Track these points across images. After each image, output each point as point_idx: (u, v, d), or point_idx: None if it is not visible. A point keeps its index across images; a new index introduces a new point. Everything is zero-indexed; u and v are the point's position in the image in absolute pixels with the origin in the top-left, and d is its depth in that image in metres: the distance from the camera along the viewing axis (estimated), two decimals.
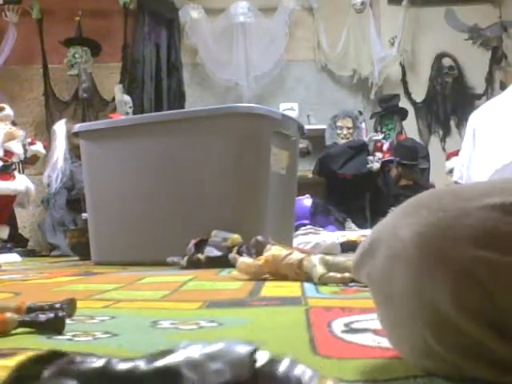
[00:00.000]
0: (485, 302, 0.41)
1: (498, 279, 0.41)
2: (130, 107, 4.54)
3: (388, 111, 4.63)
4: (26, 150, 3.91)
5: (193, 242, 2.23)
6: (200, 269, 2.06)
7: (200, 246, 2.22)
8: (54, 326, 0.76)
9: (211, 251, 2.17)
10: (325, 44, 5.08)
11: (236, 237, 2.20)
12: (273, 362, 0.30)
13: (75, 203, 3.98)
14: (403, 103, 4.86)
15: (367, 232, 2.80)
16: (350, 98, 5.12)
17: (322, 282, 1.34)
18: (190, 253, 2.19)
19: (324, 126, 4.68)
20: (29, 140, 4.00)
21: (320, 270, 1.36)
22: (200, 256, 2.17)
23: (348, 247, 2.99)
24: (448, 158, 4.32)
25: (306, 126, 3.12)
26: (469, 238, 0.41)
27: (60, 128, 4.24)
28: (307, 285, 1.37)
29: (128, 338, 0.74)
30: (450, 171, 3.85)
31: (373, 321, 0.74)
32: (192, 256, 2.17)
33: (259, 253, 1.79)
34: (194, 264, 2.14)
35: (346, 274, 1.31)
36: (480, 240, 0.41)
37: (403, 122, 4.74)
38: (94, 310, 1.03)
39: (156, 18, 4.96)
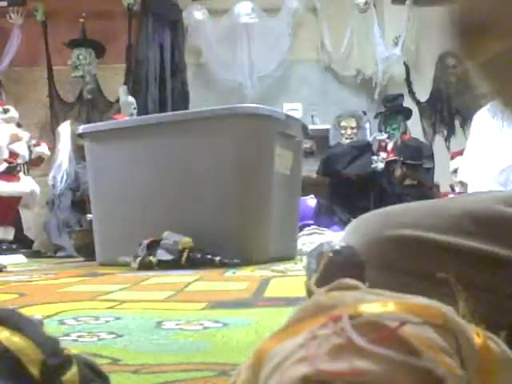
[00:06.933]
0: None
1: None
2: (135, 108, 4.55)
3: (392, 111, 4.62)
4: (30, 152, 3.92)
5: (145, 242, 2.27)
6: (151, 271, 2.11)
7: (152, 247, 2.26)
8: None
9: (163, 254, 2.21)
10: (328, 44, 5.07)
11: (187, 240, 2.24)
12: None
13: (80, 204, 3.99)
14: (407, 103, 4.85)
15: None
16: (353, 98, 5.11)
17: None
18: (142, 254, 2.22)
19: (328, 126, 4.67)
20: (33, 141, 4.01)
21: None
22: (152, 259, 2.21)
23: None
24: (452, 157, 4.31)
25: (310, 127, 3.11)
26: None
27: (65, 129, 4.25)
28: None
29: (133, 338, 0.74)
30: (455, 171, 3.83)
31: None
32: (144, 258, 2.21)
33: None
34: (145, 266, 2.19)
35: None
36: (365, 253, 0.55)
37: (407, 122, 4.73)
38: (98, 310, 1.03)
39: (160, 20, 4.96)
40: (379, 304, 0.27)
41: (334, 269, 0.37)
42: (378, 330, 0.25)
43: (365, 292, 0.30)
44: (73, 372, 0.34)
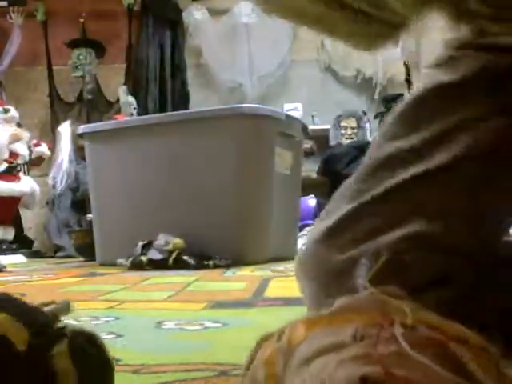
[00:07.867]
0: None
1: None
2: (135, 108, 4.55)
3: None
4: (30, 152, 3.92)
5: (140, 244, 2.30)
6: (144, 271, 2.13)
7: (146, 247, 2.30)
8: None
9: (154, 254, 2.24)
10: (328, 44, 5.07)
11: (178, 241, 2.26)
12: None
13: (80, 204, 3.99)
14: None
15: None
16: (354, 98, 5.11)
17: None
18: (136, 254, 2.25)
19: (328, 126, 4.67)
20: (34, 141, 4.01)
21: None
22: (143, 258, 2.24)
23: None
24: None
25: (310, 127, 3.11)
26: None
27: (65, 129, 4.25)
28: None
29: (133, 338, 0.74)
30: None
31: None
32: (135, 258, 2.25)
33: None
34: (136, 266, 2.22)
35: None
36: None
37: None
38: (98, 310, 1.03)
39: (160, 20, 4.97)
40: (434, 317, 0.27)
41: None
42: (432, 344, 0.25)
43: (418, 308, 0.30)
44: (61, 346, 0.35)
